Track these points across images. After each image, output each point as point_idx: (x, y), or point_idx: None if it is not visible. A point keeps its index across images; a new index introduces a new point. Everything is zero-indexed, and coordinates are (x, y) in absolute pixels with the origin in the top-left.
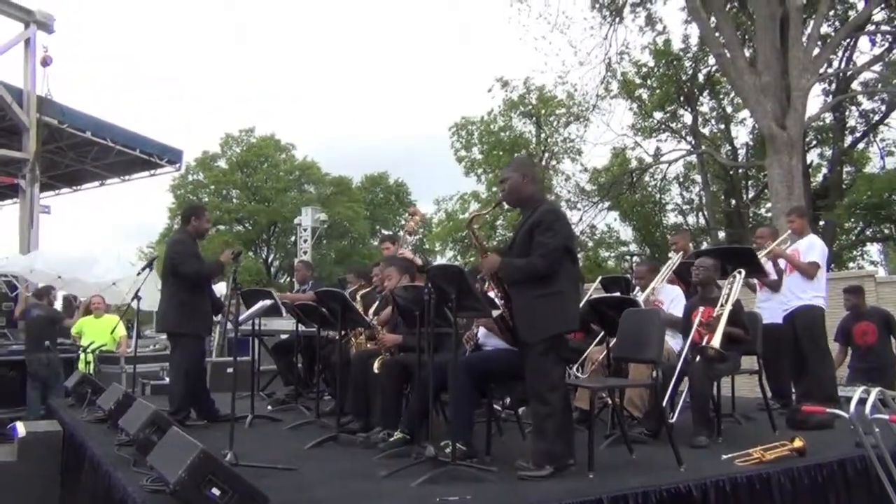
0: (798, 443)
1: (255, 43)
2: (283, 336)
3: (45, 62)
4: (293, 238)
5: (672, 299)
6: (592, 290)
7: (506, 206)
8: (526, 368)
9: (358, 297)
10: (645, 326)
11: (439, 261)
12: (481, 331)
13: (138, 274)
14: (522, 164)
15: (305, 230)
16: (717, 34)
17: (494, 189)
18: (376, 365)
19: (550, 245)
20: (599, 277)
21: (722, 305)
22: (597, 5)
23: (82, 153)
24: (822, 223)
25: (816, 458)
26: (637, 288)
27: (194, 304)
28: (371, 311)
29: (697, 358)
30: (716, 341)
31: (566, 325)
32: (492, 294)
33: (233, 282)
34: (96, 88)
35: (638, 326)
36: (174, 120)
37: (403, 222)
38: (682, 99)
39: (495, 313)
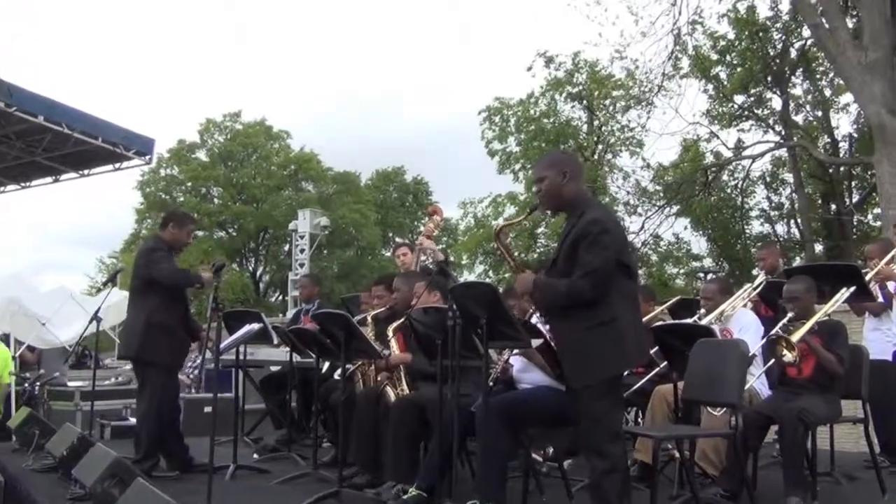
0: None
1: (242, 13)
2: (274, 368)
3: None
4: (287, 247)
5: (742, 327)
6: (656, 316)
7: (545, 212)
8: (579, 414)
9: (369, 320)
10: (722, 362)
11: (466, 277)
12: (517, 363)
13: (98, 290)
14: (561, 159)
15: (302, 237)
16: (813, 0)
17: (534, 190)
18: (392, 395)
19: (596, 263)
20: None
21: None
22: None
23: (33, 142)
24: None
25: None
26: (703, 310)
27: (168, 327)
28: (390, 329)
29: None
30: (794, 337)
31: (625, 362)
32: (536, 320)
33: (213, 301)
34: (51, 65)
35: (713, 362)
36: (144, 104)
37: (422, 227)
38: (769, 79)
39: (536, 342)
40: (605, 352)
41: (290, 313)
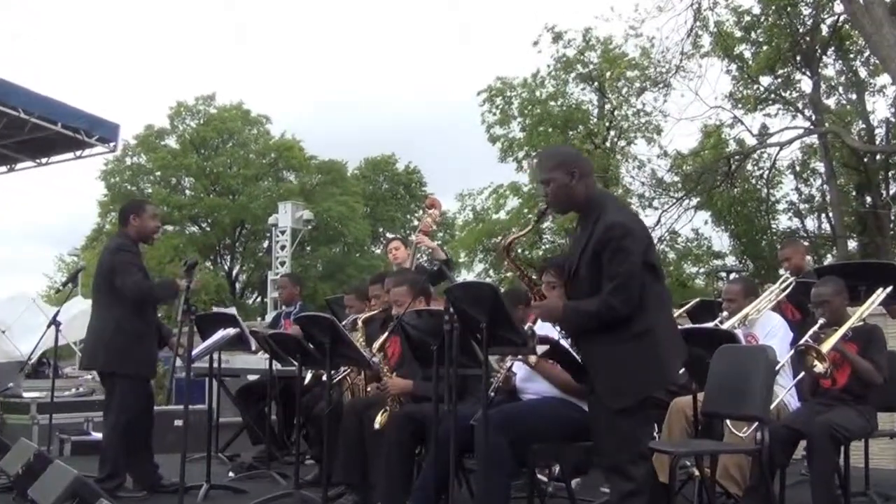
0: None
1: None
2: (252, 377)
3: None
4: (266, 243)
5: (768, 332)
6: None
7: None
8: (602, 430)
9: (360, 324)
10: (747, 371)
11: (465, 277)
12: (520, 372)
13: (57, 292)
14: (565, 156)
15: (283, 233)
16: None
17: (542, 194)
18: (378, 420)
19: (625, 272)
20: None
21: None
22: None
23: None
24: None
25: None
26: (725, 313)
27: (138, 334)
28: (376, 345)
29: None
30: (824, 347)
31: (664, 379)
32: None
33: (184, 303)
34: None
35: (737, 371)
36: (109, 86)
37: (417, 221)
38: (798, 59)
39: (541, 349)
40: (644, 368)
41: (270, 316)
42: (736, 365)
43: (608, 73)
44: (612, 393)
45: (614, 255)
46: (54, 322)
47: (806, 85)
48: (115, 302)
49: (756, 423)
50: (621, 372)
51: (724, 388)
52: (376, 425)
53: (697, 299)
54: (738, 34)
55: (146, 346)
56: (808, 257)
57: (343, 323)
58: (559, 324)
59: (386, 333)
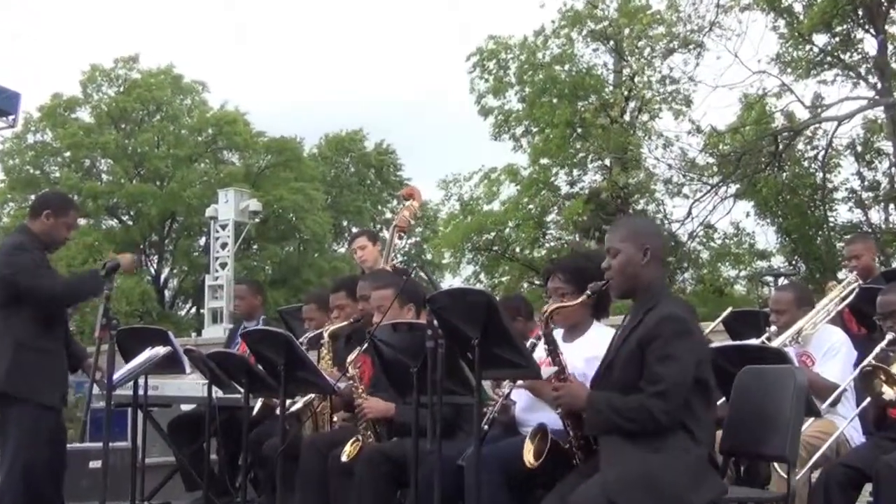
0: None
1: None
2: (187, 407)
3: None
4: (203, 240)
5: (827, 350)
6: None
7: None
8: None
9: (326, 338)
10: (770, 398)
11: (451, 282)
12: (521, 400)
13: None
14: (644, 231)
15: (224, 227)
16: None
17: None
18: (347, 451)
19: (671, 378)
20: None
21: None
22: None
23: None
24: None
25: None
26: (774, 327)
27: (42, 353)
28: (350, 359)
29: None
30: (895, 368)
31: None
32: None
33: (103, 315)
34: None
35: (759, 398)
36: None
37: (390, 214)
38: (860, 13)
39: (545, 372)
40: (673, 482)
41: (209, 331)
42: (758, 391)
43: (627, 31)
44: (622, 491)
45: (663, 356)
46: None
47: (870, 45)
48: (13, 316)
49: (810, 465)
50: (643, 479)
51: (745, 421)
52: (344, 457)
53: (729, 309)
54: None
55: (53, 369)
56: (876, 258)
57: (301, 340)
58: (575, 414)
59: (363, 346)
